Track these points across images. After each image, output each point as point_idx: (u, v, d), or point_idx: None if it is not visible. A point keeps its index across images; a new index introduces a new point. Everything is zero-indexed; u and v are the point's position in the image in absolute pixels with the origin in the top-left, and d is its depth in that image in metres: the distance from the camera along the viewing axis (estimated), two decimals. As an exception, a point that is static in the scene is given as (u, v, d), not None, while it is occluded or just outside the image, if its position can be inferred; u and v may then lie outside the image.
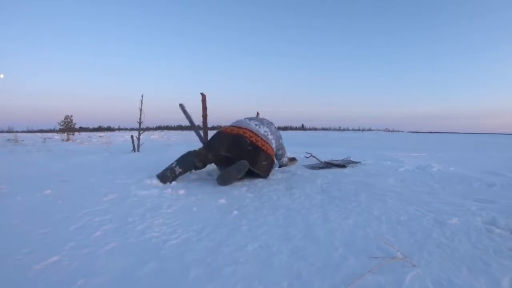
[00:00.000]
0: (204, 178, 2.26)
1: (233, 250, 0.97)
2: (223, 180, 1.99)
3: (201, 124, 2.88)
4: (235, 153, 2.12)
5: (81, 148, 5.92)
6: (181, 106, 2.69)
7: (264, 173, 2.20)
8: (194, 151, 2.21)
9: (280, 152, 2.67)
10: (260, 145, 2.19)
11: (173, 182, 1.98)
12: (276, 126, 2.69)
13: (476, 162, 3.37)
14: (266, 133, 2.33)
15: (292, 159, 3.12)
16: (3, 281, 0.79)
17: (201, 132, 2.74)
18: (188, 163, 2.13)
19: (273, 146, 2.36)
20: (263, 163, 2.18)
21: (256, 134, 2.24)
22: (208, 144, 2.28)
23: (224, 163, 2.25)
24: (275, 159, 2.46)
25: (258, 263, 0.88)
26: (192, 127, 2.74)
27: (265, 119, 2.64)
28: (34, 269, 0.84)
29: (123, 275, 0.82)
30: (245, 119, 2.51)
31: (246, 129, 2.26)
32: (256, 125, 2.35)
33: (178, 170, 2.05)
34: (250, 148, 2.15)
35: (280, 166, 2.78)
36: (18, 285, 0.77)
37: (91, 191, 1.72)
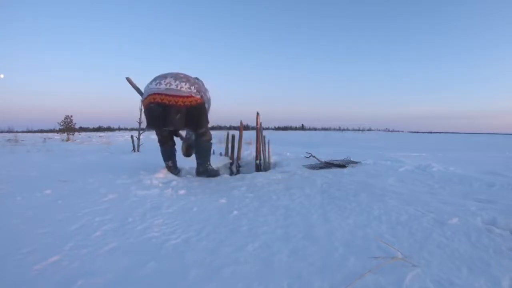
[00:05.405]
0: (204, 178, 2.27)
1: (233, 250, 0.97)
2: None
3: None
4: (170, 124, 2.03)
5: (81, 148, 5.92)
6: (128, 79, 2.51)
7: (191, 130, 2.39)
8: (159, 140, 2.39)
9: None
10: (167, 102, 2.00)
11: (173, 182, 1.98)
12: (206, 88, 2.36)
13: (476, 162, 3.37)
14: (173, 86, 2.03)
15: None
16: (3, 281, 0.79)
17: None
18: (169, 153, 2.39)
19: (186, 91, 2.04)
20: (176, 117, 2.01)
21: (165, 95, 2.00)
22: (149, 126, 2.19)
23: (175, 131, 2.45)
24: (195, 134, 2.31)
25: (258, 263, 0.88)
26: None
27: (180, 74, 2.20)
28: (34, 269, 0.83)
29: (123, 275, 0.82)
30: (154, 83, 2.10)
31: (156, 94, 2.01)
32: (166, 84, 2.04)
33: (170, 164, 2.38)
34: (173, 111, 2.01)
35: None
36: (18, 285, 0.77)
37: (91, 191, 1.72)
